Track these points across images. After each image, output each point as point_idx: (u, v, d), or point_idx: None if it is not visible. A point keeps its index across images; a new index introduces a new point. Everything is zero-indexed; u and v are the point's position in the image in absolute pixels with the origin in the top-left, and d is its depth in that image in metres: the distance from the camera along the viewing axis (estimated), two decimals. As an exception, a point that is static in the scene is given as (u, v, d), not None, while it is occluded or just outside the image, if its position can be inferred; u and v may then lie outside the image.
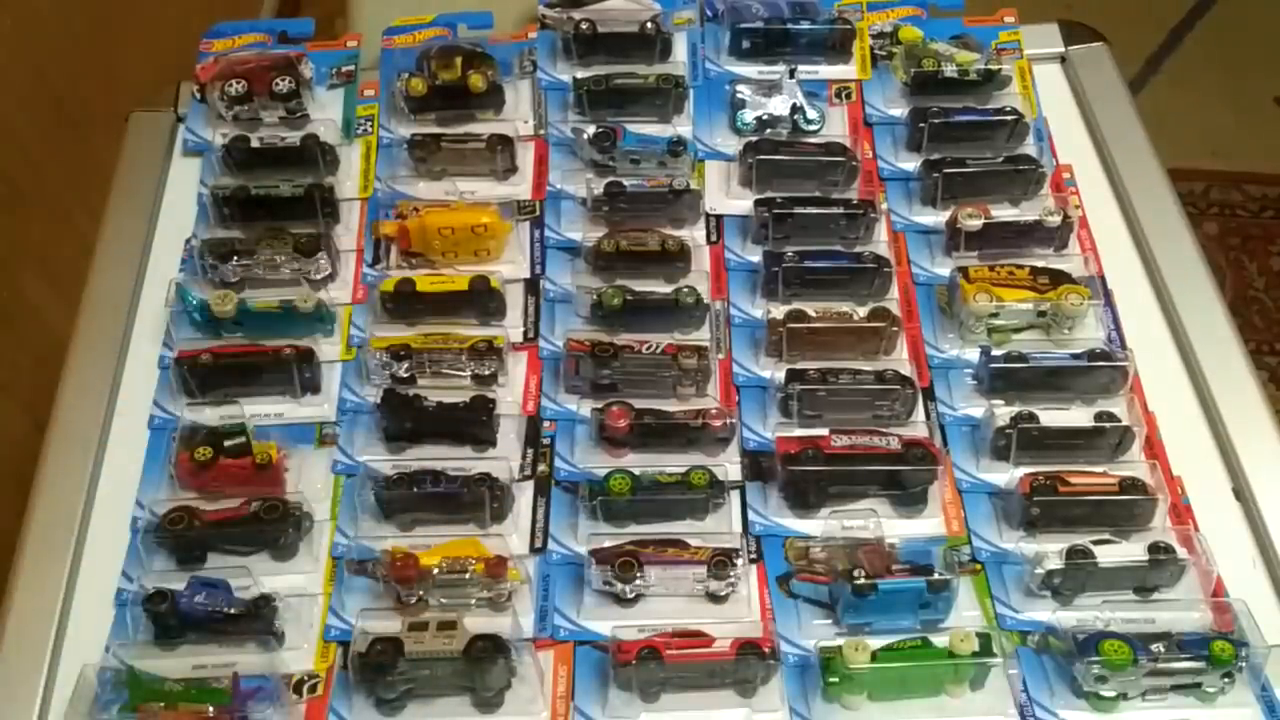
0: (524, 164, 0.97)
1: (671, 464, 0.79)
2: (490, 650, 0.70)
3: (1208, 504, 0.80)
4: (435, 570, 0.74)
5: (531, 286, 0.90)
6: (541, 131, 0.99)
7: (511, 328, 0.87)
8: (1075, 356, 0.84)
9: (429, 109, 0.98)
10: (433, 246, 0.89)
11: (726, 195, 0.95)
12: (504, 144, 0.94)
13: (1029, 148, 0.97)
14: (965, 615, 0.75)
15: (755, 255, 0.90)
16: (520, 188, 0.96)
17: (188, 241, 0.93)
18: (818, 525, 0.78)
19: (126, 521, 0.80)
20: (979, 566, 0.77)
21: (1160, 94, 2.34)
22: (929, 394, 0.85)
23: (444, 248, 0.89)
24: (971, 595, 0.76)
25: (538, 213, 0.94)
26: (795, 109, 0.98)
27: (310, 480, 0.81)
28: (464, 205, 0.91)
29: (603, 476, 0.78)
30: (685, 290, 0.86)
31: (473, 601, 0.75)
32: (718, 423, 0.81)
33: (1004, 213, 0.92)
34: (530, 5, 1.06)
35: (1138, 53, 2.41)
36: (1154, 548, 0.75)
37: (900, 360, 0.86)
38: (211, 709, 0.69)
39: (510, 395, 0.84)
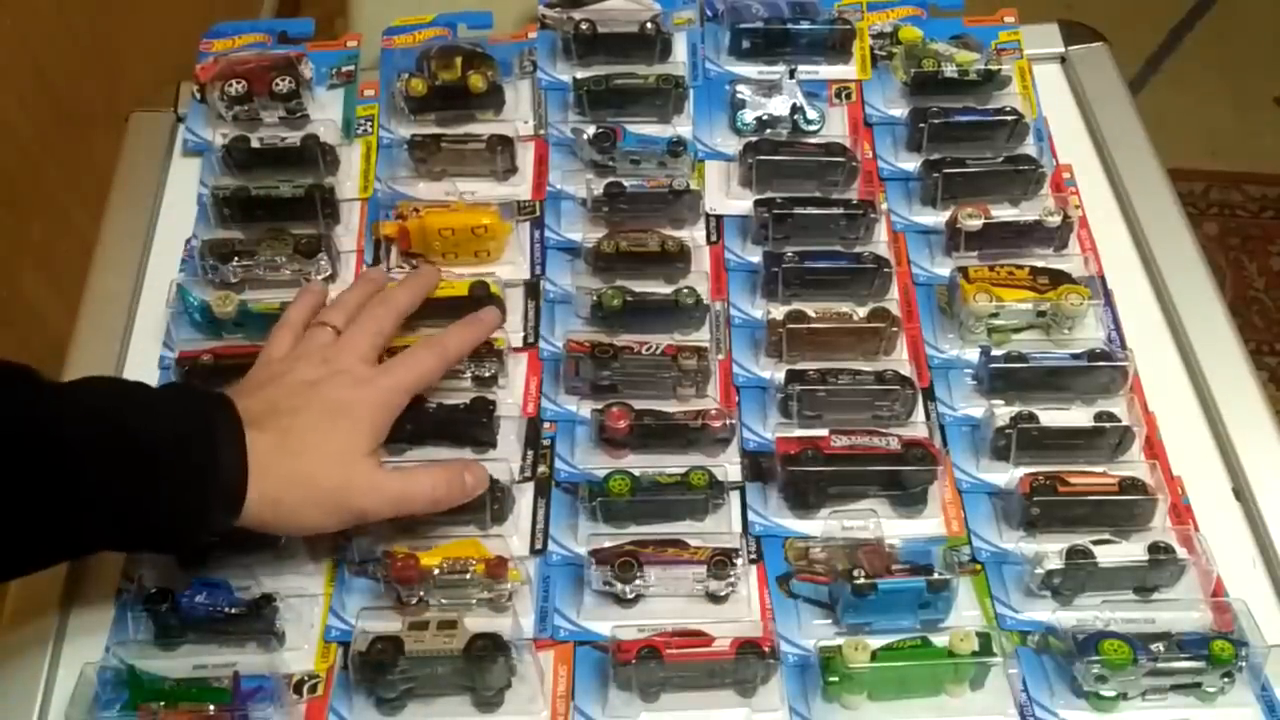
0: (524, 164, 0.97)
1: (671, 465, 0.79)
2: (490, 649, 0.70)
3: (1208, 504, 0.80)
4: (436, 571, 0.74)
5: (531, 289, 0.90)
6: (542, 131, 0.99)
7: (511, 332, 0.87)
8: (1075, 356, 0.84)
9: (429, 109, 0.98)
10: (433, 248, 0.89)
11: (726, 195, 0.95)
12: (504, 144, 0.94)
13: (1029, 148, 0.97)
14: (965, 615, 0.75)
15: (755, 255, 0.90)
16: (520, 188, 0.96)
17: (188, 242, 0.93)
18: (818, 525, 0.78)
19: (126, 522, 0.80)
20: (979, 566, 0.77)
21: (1160, 94, 2.34)
22: (929, 394, 0.85)
23: (444, 249, 0.89)
24: (971, 595, 0.76)
25: (538, 213, 0.94)
26: (795, 109, 0.98)
27: (310, 481, 0.81)
28: (464, 206, 0.91)
29: (603, 477, 0.78)
30: (685, 291, 0.86)
31: (473, 602, 0.75)
32: (718, 423, 0.81)
33: (1004, 213, 0.92)
34: (530, 5, 1.06)
35: (1138, 53, 2.41)
36: (1154, 548, 0.75)
37: (900, 360, 0.86)
38: (212, 709, 0.69)
39: (510, 397, 0.84)
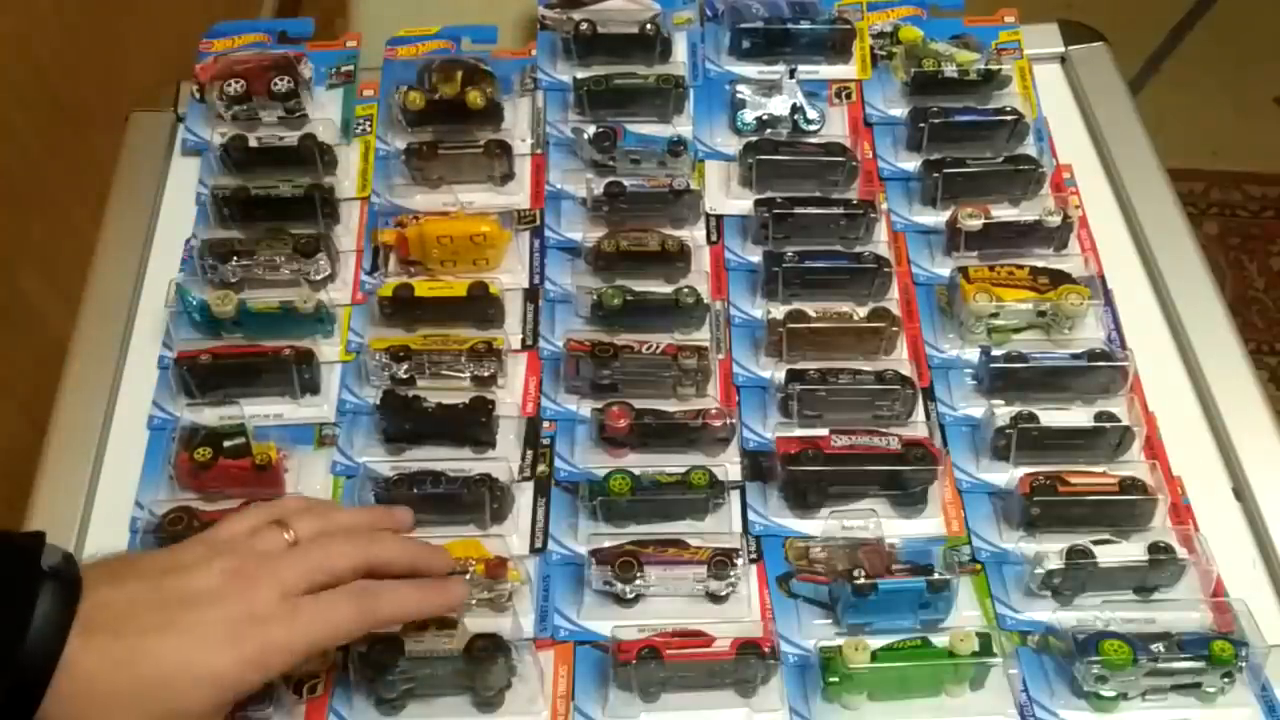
0: (522, 173, 0.96)
1: (671, 464, 0.79)
2: (490, 649, 0.70)
3: (1208, 504, 0.80)
4: (435, 571, 0.74)
5: (530, 295, 0.90)
6: (539, 150, 0.98)
7: (510, 334, 0.87)
8: (1075, 356, 0.84)
9: (426, 124, 0.96)
10: (431, 255, 0.89)
11: (726, 195, 0.95)
12: (501, 149, 0.94)
13: (1029, 148, 0.96)
14: (965, 615, 0.75)
15: (755, 255, 0.90)
16: (518, 196, 0.95)
17: (188, 241, 0.93)
18: (818, 525, 0.78)
19: (126, 521, 0.80)
20: (979, 566, 0.77)
21: (1160, 94, 2.34)
22: (929, 394, 0.85)
23: (442, 256, 0.89)
24: (971, 595, 0.76)
25: (537, 222, 0.94)
26: (795, 109, 0.98)
27: (309, 481, 0.81)
28: (463, 214, 0.91)
29: (603, 477, 0.78)
30: (685, 290, 0.86)
31: (473, 602, 0.75)
32: (718, 423, 0.81)
33: (1004, 213, 0.92)
34: (530, 9, 1.06)
35: (1138, 53, 2.41)
36: (1154, 548, 0.75)
37: (900, 360, 0.86)
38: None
39: (510, 397, 0.84)
